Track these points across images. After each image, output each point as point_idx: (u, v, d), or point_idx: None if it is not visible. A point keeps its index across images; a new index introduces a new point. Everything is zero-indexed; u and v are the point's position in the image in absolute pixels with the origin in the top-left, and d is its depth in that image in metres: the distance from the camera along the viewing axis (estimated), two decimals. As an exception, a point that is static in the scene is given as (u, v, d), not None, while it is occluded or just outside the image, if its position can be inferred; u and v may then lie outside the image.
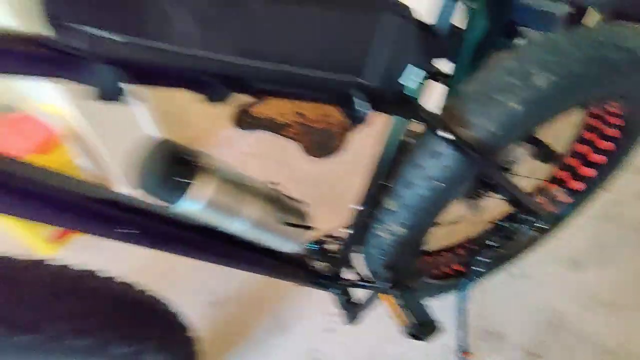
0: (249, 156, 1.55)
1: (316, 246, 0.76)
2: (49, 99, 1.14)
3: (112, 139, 1.21)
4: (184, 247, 0.51)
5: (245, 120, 1.88)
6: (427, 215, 0.66)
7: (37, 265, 0.48)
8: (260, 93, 0.42)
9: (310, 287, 0.75)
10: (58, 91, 1.03)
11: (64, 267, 0.50)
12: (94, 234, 0.42)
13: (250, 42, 0.34)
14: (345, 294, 0.77)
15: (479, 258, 0.83)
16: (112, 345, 0.50)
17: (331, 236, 0.77)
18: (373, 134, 1.56)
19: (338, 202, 1.35)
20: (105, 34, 0.28)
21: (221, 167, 0.47)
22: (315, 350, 0.98)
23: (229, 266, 0.59)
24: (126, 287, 0.56)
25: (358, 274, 0.80)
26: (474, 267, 0.83)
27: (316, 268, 0.74)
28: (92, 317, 0.48)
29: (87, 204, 0.41)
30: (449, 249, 0.99)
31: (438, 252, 0.98)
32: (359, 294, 0.79)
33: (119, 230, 0.43)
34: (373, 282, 0.73)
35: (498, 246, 0.84)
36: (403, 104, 0.50)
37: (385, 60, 0.42)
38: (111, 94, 0.32)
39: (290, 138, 1.71)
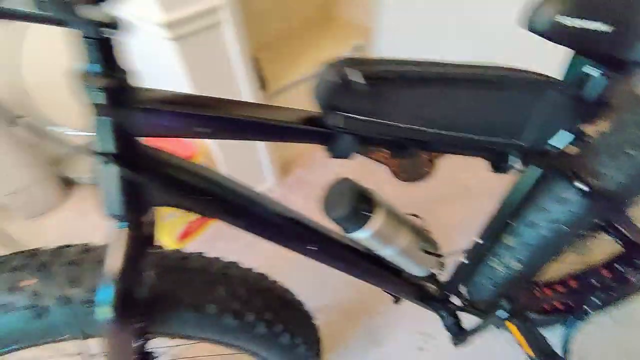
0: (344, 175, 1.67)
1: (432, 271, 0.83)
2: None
3: (234, 154, 1.41)
4: (341, 262, 0.62)
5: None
6: (545, 254, 0.71)
7: (198, 256, 0.60)
8: (434, 151, 0.52)
9: (421, 306, 0.83)
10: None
11: (217, 258, 0.62)
12: (291, 248, 0.55)
13: (441, 116, 0.45)
14: (454, 317, 0.83)
15: (589, 297, 0.84)
16: (256, 326, 0.60)
17: (443, 262, 0.84)
18: (463, 165, 1.61)
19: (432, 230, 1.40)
20: (360, 117, 0.41)
21: (386, 202, 0.58)
22: (407, 367, 1.04)
23: (362, 279, 0.69)
24: (263, 276, 0.67)
25: (467, 300, 0.86)
26: (583, 306, 0.85)
27: (429, 289, 0.82)
28: (241, 300, 0.58)
29: (289, 224, 0.54)
30: (559, 284, 1.00)
31: (548, 287, 1.00)
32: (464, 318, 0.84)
33: (309, 247, 0.55)
34: (486, 310, 0.78)
35: (610, 287, 0.85)
36: (546, 158, 0.57)
37: (541, 126, 0.50)
38: (342, 154, 0.44)
39: (380, 161, 1.81)
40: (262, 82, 1.52)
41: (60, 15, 0.27)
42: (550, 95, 0.48)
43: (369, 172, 1.67)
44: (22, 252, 0.52)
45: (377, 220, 0.54)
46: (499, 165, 0.56)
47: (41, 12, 0.27)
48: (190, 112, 0.39)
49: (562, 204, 0.65)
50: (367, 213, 0.53)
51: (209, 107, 0.40)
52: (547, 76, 0.48)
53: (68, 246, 0.53)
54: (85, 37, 0.30)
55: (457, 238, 1.35)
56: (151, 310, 0.51)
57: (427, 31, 1.61)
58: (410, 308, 1.13)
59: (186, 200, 0.45)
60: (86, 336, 0.51)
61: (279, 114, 0.43)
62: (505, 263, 0.74)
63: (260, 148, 1.49)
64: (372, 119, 0.42)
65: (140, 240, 0.45)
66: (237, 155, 1.42)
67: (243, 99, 1.31)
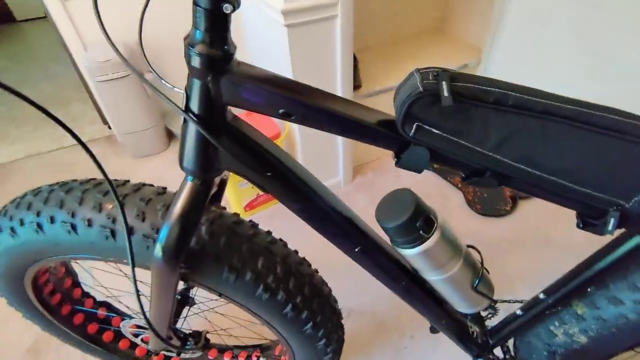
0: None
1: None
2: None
3: (313, 143, 1.45)
4: (383, 273, 0.61)
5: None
6: (622, 338, 0.60)
7: (251, 225, 0.62)
8: (516, 188, 0.47)
9: (458, 345, 0.77)
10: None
11: (267, 232, 0.64)
12: (338, 245, 0.55)
13: (535, 154, 0.40)
14: (492, 370, 0.75)
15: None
16: (284, 306, 0.61)
17: (495, 308, 0.77)
18: (548, 212, 1.43)
19: (488, 264, 1.29)
20: (437, 132, 0.39)
21: (445, 224, 0.54)
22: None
23: (402, 298, 0.66)
24: (304, 261, 0.67)
25: (509, 354, 0.77)
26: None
27: (473, 331, 0.75)
28: (276, 277, 0.60)
29: (342, 221, 0.54)
30: None
31: None
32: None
33: (356, 249, 0.55)
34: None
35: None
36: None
37: None
38: (412, 166, 0.43)
39: (455, 186, 1.71)
40: (357, 82, 1.53)
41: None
42: None
43: (441, 194, 1.58)
44: (114, 179, 0.60)
45: (430, 242, 0.51)
46: (590, 222, 0.49)
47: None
48: (277, 93, 0.40)
49: (662, 286, 0.54)
50: (422, 231, 0.51)
51: (296, 92, 0.41)
52: None
53: (148, 185, 0.60)
54: (201, 7, 0.34)
55: (519, 287, 1.22)
56: (196, 261, 0.56)
57: (549, 65, 1.45)
58: (445, 343, 1.07)
59: (255, 174, 0.48)
60: (141, 266, 0.58)
61: (359, 112, 0.43)
62: (569, 332, 0.65)
63: (339, 143, 1.51)
64: (452, 137, 0.40)
65: (203, 197, 0.49)
66: (316, 145, 1.46)
67: (337, 94, 1.34)
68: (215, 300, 0.79)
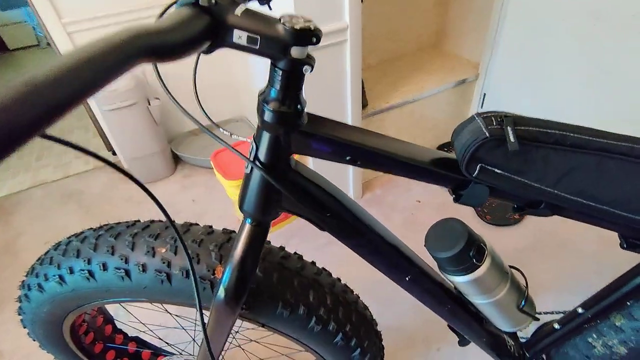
0: (423, 205, 1.64)
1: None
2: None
3: (323, 167, 1.47)
4: (431, 299, 0.62)
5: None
6: (662, 347, 0.63)
7: (297, 258, 0.63)
8: (568, 217, 0.49)
9: (493, 357, 0.78)
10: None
11: (311, 262, 0.65)
12: (389, 275, 0.57)
13: (588, 186, 0.43)
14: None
15: None
16: (335, 336, 0.62)
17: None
18: (553, 219, 1.47)
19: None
20: (499, 172, 0.41)
21: (493, 251, 0.56)
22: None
23: (445, 319, 0.67)
24: (347, 288, 0.68)
25: (546, 369, 0.79)
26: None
27: (510, 346, 0.77)
28: (327, 308, 0.61)
29: (394, 253, 0.55)
30: None
31: None
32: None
33: (407, 278, 0.56)
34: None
35: None
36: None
37: None
38: (472, 202, 0.45)
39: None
40: (364, 101, 1.56)
41: (272, 52, 0.33)
42: None
43: (451, 205, 1.61)
44: (160, 221, 0.61)
45: (481, 270, 0.53)
46: (634, 243, 0.51)
47: (252, 46, 0.32)
48: (344, 143, 0.42)
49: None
50: (474, 260, 0.52)
51: (361, 141, 0.43)
52: None
53: (195, 224, 0.61)
54: (280, 68, 0.35)
55: (543, 295, 1.24)
56: (253, 300, 0.56)
57: (548, 77, 1.50)
58: (472, 355, 1.08)
59: (316, 215, 0.50)
60: (193, 306, 0.58)
61: (420, 154, 0.45)
62: (608, 344, 0.67)
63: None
64: (514, 176, 0.42)
65: (261, 238, 0.50)
66: (327, 162, 1.48)
67: (347, 115, 1.37)
68: (256, 329, 0.80)
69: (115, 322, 0.88)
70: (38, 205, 1.81)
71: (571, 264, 1.33)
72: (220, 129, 0.49)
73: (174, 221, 0.44)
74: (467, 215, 1.56)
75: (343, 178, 1.59)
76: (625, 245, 0.52)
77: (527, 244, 1.42)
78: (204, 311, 0.56)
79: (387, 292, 1.26)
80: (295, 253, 0.65)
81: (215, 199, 1.75)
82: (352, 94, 1.33)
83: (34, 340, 0.71)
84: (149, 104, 1.72)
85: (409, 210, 1.61)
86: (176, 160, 2.00)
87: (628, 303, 0.64)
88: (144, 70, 1.76)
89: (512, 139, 0.38)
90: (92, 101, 1.77)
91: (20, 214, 1.76)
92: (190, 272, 0.46)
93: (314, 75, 1.21)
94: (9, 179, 2.01)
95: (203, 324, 0.48)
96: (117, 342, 0.86)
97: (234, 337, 0.81)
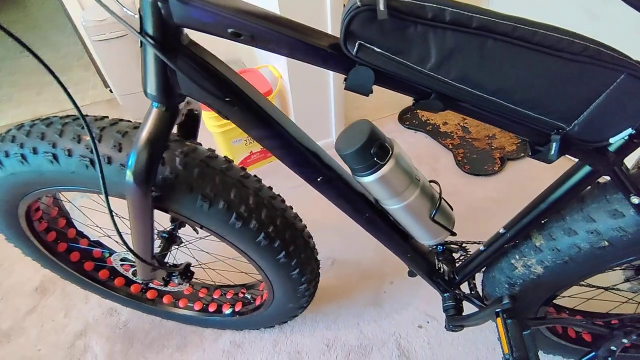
0: (399, 142, 1.63)
1: (445, 250, 0.80)
2: (271, 61, 1.44)
3: (305, 103, 1.46)
4: (346, 204, 0.64)
5: (409, 120, 2.00)
6: (576, 268, 0.63)
7: (224, 160, 0.66)
8: (463, 113, 0.48)
9: (428, 282, 0.81)
10: (280, 59, 1.29)
11: (241, 167, 0.68)
12: (299, 173, 0.59)
13: (478, 74, 0.41)
14: (457, 302, 0.80)
15: (621, 340, 0.73)
16: (257, 235, 0.66)
17: (462, 246, 0.80)
18: (529, 173, 1.44)
19: (472, 219, 1.32)
20: (378, 50, 0.40)
21: (400, 153, 0.57)
22: (401, 337, 1.05)
23: (368, 230, 0.69)
24: (276, 196, 0.72)
25: (475, 290, 0.81)
26: (610, 348, 0.75)
27: (440, 268, 0.79)
28: (248, 207, 0.64)
29: (303, 150, 0.57)
30: (585, 315, 0.89)
31: (571, 311, 0.89)
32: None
33: (318, 179, 0.58)
34: (490, 304, 0.74)
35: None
36: (600, 158, 0.49)
37: (604, 118, 0.43)
38: (357, 87, 0.44)
39: (447, 147, 1.71)
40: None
41: None
42: (628, 80, 0.40)
43: (432, 155, 1.60)
44: (93, 116, 0.64)
45: (385, 168, 0.54)
46: (537, 149, 0.50)
47: None
48: (226, 13, 0.41)
49: (615, 218, 0.56)
50: (376, 158, 0.53)
51: (245, 13, 0.42)
52: (632, 60, 0.40)
53: (125, 120, 0.64)
54: None
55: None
56: (170, 189, 0.60)
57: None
58: (422, 289, 1.12)
59: (214, 99, 0.50)
60: (120, 195, 0.62)
61: (308, 34, 0.44)
62: (528, 264, 0.68)
63: (331, 103, 1.51)
64: (393, 56, 0.41)
65: (169, 123, 0.52)
66: (308, 105, 1.47)
67: (328, 26, 1.28)
68: (201, 238, 0.84)
69: (73, 221, 0.94)
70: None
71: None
72: (124, 9, 0.49)
73: (79, 107, 0.45)
74: (447, 165, 1.55)
75: (325, 121, 1.58)
76: (530, 153, 0.52)
77: (499, 195, 1.42)
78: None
79: (350, 231, 1.29)
80: (225, 157, 0.67)
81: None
82: (332, 8, 1.24)
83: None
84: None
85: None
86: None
87: (542, 221, 0.64)
88: (134, 1, 1.74)
89: (381, 7, 0.36)
90: (83, 31, 1.78)
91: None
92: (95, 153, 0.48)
93: None
94: (11, 110, 2.09)
95: (108, 203, 0.51)
96: (70, 236, 0.91)
97: (185, 246, 0.86)
